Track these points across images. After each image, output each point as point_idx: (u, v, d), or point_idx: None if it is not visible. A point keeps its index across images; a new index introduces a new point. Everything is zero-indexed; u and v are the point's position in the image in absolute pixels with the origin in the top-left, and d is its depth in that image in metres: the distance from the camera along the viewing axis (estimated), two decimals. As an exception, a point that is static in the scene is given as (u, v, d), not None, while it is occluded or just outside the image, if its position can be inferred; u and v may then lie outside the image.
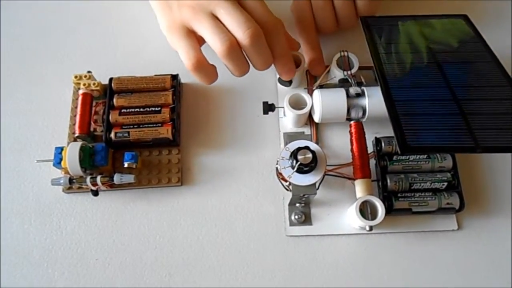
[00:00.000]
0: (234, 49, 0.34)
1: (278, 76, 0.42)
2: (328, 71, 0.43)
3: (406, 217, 0.39)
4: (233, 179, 0.41)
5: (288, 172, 0.34)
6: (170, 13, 0.37)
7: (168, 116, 0.40)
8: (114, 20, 0.48)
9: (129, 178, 0.38)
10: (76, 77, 0.41)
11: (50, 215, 0.40)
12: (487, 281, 0.38)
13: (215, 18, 0.35)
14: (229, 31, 0.34)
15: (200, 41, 0.36)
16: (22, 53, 0.47)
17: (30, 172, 0.41)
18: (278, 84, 0.44)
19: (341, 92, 0.39)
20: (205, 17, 0.35)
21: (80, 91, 0.41)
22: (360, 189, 0.37)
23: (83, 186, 0.38)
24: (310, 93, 0.41)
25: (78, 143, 0.38)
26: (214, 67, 0.37)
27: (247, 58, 0.36)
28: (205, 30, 0.35)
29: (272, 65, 0.38)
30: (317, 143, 0.39)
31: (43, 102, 0.44)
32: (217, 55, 0.35)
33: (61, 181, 0.38)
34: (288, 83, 0.42)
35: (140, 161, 0.40)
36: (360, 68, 0.41)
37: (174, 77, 0.42)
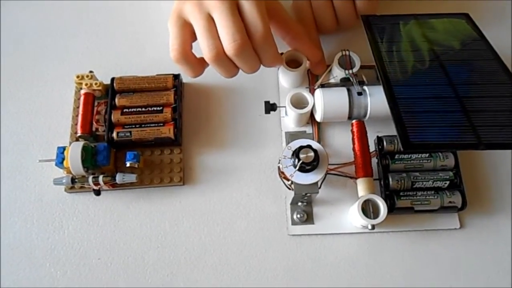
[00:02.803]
0: (220, 57, 0.35)
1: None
2: (330, 70, 0.43)
3: (408, 216, 0.39)
4: (235, 178, 0.41)
5: (290, 171, 0.34)
6: (178, 2, 0.37)
7: (170, 115, 0.40)
8: (116, 20, 0.49)
9: (131, 177, 0.38)
10: (78, 77, 0.41)
11: (52, 215, 0.40)
12: (489, 279, 0.38)
13: (211, 21, 0.35)
14: (219, 37, 0.35)
15: (194, 36, 0.37)
16: (23, 53, 0.47)
17: (32, 172, 0.41)
18: (280, 84, 0.44)
19: (343, 91, 0.39)
20: (202, 17, 0.35)
21: (82, 91, 0.41)
22: (362, 188, 0.37)
23: (85, 186, 0.38)
24: (312, 92, 0.41)
25: (80, 143, 0.38)
26: (200, 61, 0.37)
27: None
28: (198, 29, 0.35)
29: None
30: (319, 142, 0.39)
31: (45, 102, 0.44)
32: None
33: (63, 181, 0.38)
34: None
35: (142, 160, 0.40)
36: (361, 67, 0.41)
37: (176, 77, 0.42)
